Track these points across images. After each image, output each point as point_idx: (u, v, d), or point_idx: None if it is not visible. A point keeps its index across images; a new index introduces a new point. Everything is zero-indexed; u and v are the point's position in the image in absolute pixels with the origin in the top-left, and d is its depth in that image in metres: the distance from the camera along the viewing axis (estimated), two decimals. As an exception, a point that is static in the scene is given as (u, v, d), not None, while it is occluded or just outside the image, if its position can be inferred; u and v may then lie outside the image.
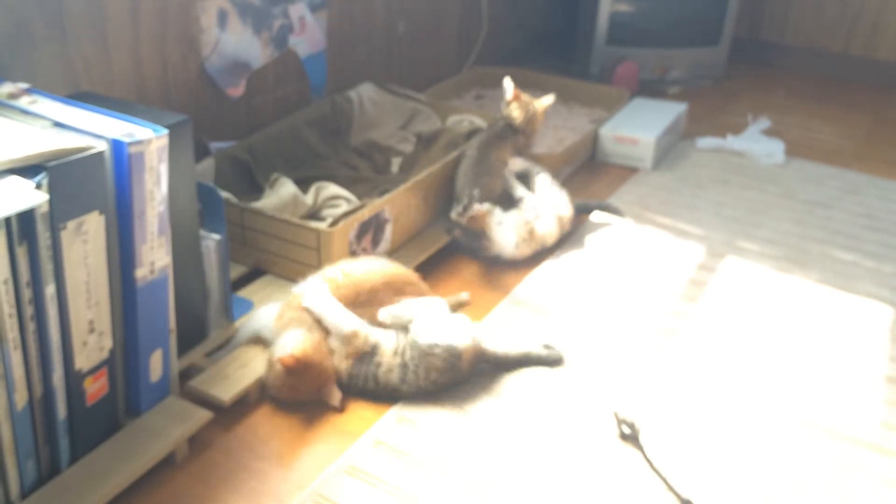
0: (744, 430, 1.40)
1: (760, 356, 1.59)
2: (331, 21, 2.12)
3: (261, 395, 1.41)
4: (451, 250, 1.86)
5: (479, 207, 1.76)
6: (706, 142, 2.51)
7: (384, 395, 1.41)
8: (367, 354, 1.40)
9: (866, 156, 2.54)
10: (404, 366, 1.39)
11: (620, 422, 1.38)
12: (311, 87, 2.12)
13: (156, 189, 1.20)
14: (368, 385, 1.40)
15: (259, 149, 1.91)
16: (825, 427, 1.41)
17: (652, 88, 2.92)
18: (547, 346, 1.54)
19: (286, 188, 1.78)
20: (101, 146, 1.13)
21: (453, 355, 1.40)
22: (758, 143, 2.49)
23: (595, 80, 2.88)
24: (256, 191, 1.83)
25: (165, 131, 1.19)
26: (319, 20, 2.07)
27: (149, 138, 1.16)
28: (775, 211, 2.16)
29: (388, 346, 1.41)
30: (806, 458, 1.34)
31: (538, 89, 2.70)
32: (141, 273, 1.21)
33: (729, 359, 1.57)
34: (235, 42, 1.84)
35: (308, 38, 2.05)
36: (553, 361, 1.52)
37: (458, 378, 1.44)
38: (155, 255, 1.23)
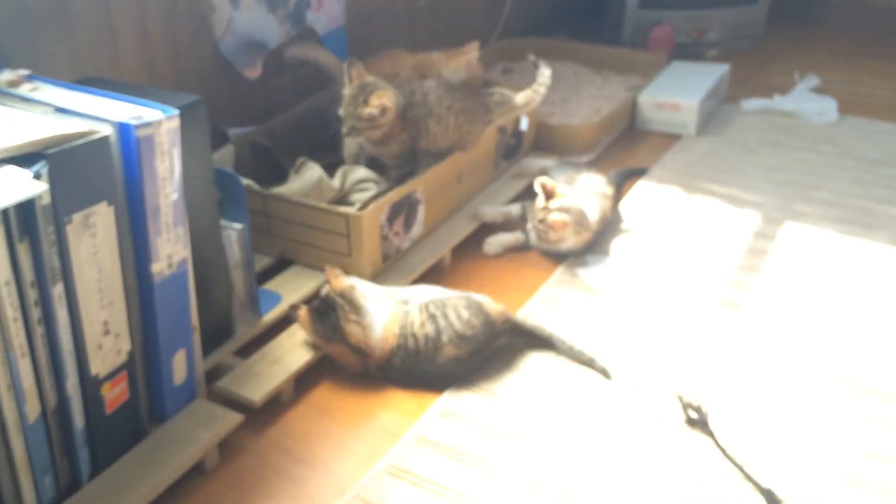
0: (820, 406, 1.27)
1: (831, 326, 1.46)
2: (349, -5, 2.01)
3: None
4: (487, 232, 1.74)
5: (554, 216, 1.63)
6: (752, 103, 2.36)
7: (430, 354, 1.30)
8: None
9: (924, 110, 2.38)
10: (433, 316, 1.32)
11: (686, 406, 1.26)
12: (332, 66, 2.01)
13: (169, 176, 1.10)
14: (409, 344, 1.31)
15: (281, 133, 1.81)
16: (913, 402, 1.28)
17: (688, 52, 2.78)
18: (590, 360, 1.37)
19: (312, 172, 1.67)
20: (107, 130, 1.03)
21: (475, 302, 1.36)
22: (807, 102, 2.34)
23: (628, 46, 2.74)
24: (280, 177, 1.73)
25: (176, 112, 1.09)
26: (337, -5, 1.97)
27: (158, 120, 1.07)
28: (832, 172, 2.02)
29: (413, 307, 1.35)
30: (891, 434, 1.21)
31: (569, 59, 2.59)
32: (157, 268, 1.11)
33: (797, 330, 1.44)
34: (250, 20, 1.74)
35: (326, 13, 1.94)
36: (585, 362, 1.37)
37: (494, 332, 1.35)
38: (172, 248, 1.13)
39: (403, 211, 1.60)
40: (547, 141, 2.06)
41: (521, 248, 1.71)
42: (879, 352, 1.39)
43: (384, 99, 1.59)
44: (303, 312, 1.34)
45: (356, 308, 1.31)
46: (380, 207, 1.53)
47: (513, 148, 1.97)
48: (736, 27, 2.89)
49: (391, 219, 1.56)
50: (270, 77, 1.85)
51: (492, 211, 1.76)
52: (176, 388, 1.20)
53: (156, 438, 1.16)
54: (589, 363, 1.36)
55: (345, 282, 1.33)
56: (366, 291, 1.36)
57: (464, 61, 1.82)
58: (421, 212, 1.65)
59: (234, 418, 1.20)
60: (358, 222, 1.49)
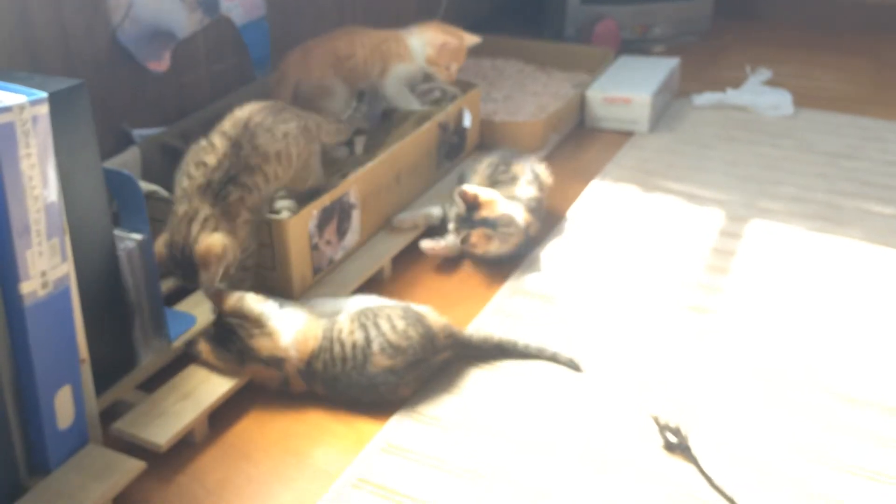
0: (807, 422, 1.12)
1: (812, 329, 1.32)
2: (270, -18, 1.82)
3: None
4: (431, 236, 1.56)
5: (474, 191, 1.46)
6: (704, 98, 2.24)
7: (359, 362, 1.14)
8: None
9: (878, 101, 2.30)
10: (363, 325, 1.17)
11: (663, 429, 1.10)
12: (253, 61, 1.81)
13: (38, 175, 0.90)
14: (335, 350, 1.15)
15: (194, 134, 1.60)
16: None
17: (634, 48, 2.65)
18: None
19: (229, 177, 1.47)
20: (-48, 118, 0.83)
21: (414, 313, 1.21)
22: (761, 96, 2.23)
23: (572, 43, 2.61)
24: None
25: (44, 95, 0.89)
26: (256, -19, 1.77)
27: (20, 104, 0.87)
28: (794, 166, 1.90)
29: (343, 317, 1.21)
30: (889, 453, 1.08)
31: (511, 56, 2.44)
32: (29, 287, 0.91)
33: (776, 335, 1.31)
34: (153, 6, 1.53)
35: (244, 2, 1.75)
36: (564, 362, 1.26)
37: (435, 346, 1.19)
38: (47, 264, 0.93)
39: (335, 217, 1.41)
40: (492, 139, 1.91)
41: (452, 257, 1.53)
42: (867, 359, 1.26)
43: (209, 251, 1.19)
44: (204, 347, 1.18)
45: (254, 320, 1.17)
46: (307, 213, 1.34)
47: (456, 147, 1.80)
48: (681, 22, 2.79)
49: (321, 226, 1.38)
50: (181, 71, 1.65)
51: (409, 217, 1.58)
52: (61, 433, 0.99)
53: (37, 495, 0.96)
54: (553, 358, 1.25)
55: (231, 297, 1.19)
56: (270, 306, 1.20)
57: (441, 40, 1.62)
58: (356, 217, 1.47)
59: (134, 466, 1.00)
60: (282, 230, 1.30)
